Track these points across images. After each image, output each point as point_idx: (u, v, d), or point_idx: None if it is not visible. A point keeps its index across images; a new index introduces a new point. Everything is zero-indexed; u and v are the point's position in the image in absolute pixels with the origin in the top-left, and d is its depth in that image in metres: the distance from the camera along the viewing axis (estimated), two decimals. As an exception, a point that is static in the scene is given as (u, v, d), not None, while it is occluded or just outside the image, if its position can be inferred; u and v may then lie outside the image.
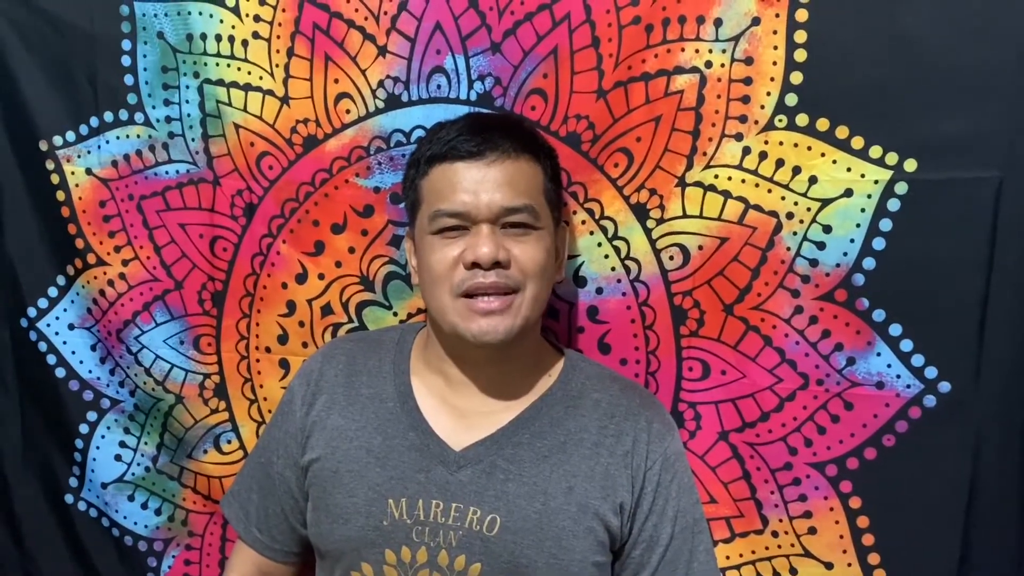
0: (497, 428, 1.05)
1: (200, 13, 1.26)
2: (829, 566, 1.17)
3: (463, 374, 1.08)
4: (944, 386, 1.09)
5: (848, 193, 1.09)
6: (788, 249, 1.13)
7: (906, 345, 1.09)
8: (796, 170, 1.10)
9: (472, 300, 1.00)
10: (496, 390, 1.08)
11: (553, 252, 1.07)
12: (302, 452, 1.10)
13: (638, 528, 1.04)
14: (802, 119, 1.09)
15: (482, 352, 1.04)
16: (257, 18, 1.25)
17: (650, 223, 1.18)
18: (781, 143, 1.11)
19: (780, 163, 1.11)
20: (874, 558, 1.15)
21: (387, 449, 1.06)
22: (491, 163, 1.01)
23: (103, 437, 1.44)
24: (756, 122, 1.11)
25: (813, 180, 1.10)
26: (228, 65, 1.27)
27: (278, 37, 1.25)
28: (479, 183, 1.00)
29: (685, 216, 1.16)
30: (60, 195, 1.38)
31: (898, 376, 1.10)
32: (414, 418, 1.07)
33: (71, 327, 1.43)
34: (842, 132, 1.08)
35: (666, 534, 1.05)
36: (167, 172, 1.34)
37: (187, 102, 1.30)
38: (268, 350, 1.35)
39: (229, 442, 1.39)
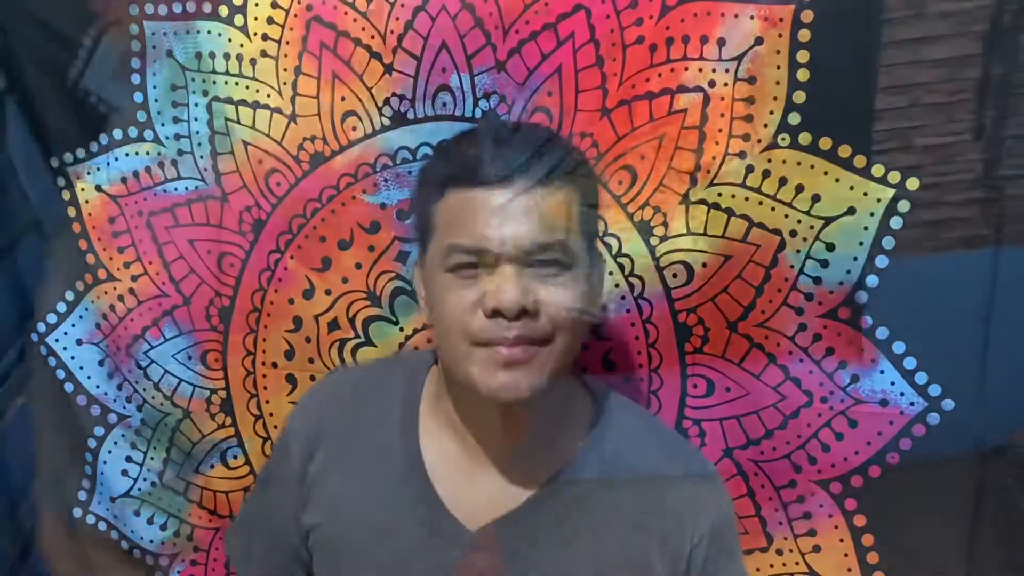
0: (518, 504, 0.93)
1: (209, 32, 1.28)
2: (834, 584, 1.17)
3: (479, 434, 0.95)
4: (948, 404, 1.09)
5: (851, 211, 1.09)
6: (791, 267, 1.13)
7: (909, 363, 1.10)
8: (799, 188, 1.11)
9: (492, 348, 0.85)
10: (517, 455, 0.95)
11: (588, 293, 0.89)
12: (303, 507, 1.01)
13: None
14: (805, 138, 1.09)
15: (501, 409, 0.91)
16: (265, 37, 1.26)
17: (654, 240, 1.18)
18: (784, 161, 1.11)
19: (783, 181, 1.11)
20: (879, 576, 1.15)
21: (394, 522, 0.95)
22: (518, 190, 0.84)
23: (110, 452, 1.45)
24: (759, 141, 1.11)
25: (816, 198, 1.10)
26: (236, 83, 1.28)
27: (285, 56, 1.26)
28: (503, 214, 0.84)
29: (689, 233, 1.16)
30: (71, 211, 1.39)
31: (902, 394, 1.10)
32: (424, 489, 0.95)
33: (79, 342, 1.44)
34: (844, 151, 1.08)
35: None
36: (176, 189, 1.35)
37: (196, 120, 1.31)
38: (275, 365, 1.35)
39: (235, 457, 1.40)
